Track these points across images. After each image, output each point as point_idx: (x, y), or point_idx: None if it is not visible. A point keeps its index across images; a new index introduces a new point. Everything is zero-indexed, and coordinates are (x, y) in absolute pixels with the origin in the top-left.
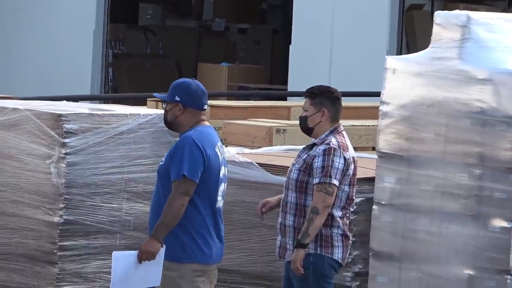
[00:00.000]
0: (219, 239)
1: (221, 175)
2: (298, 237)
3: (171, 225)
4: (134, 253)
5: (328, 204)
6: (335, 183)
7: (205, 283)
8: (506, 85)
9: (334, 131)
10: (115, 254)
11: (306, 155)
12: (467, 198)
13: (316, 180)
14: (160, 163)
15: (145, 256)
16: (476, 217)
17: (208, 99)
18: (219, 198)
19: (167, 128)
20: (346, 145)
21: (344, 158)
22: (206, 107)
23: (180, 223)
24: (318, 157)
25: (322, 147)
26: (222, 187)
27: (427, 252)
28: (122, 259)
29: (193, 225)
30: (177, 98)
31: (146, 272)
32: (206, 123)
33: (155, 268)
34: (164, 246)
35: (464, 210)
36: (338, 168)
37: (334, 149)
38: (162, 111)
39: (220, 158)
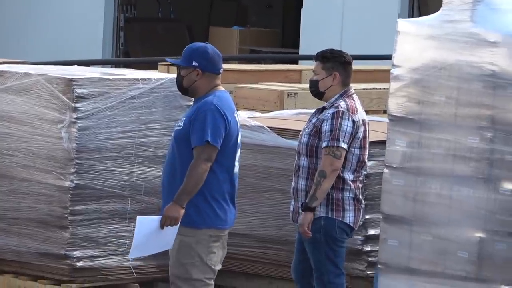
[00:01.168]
0: (233, 204)
1: (238, 141)
2: (306, 201)
3: (194, 191)
4: (157, 218)
5: (336, 168)
6: (343, 146)
7: (219, 248)
8: None
9: (344, 94)
10: (139, 218)
11: (315, 119)
12: (479, 161)
13: (324, 144)
14: (177, 128)
15: (168, 221)
16: (487, 180)
17: None
18: (236, 163)
19: (179, 93)
20: (356, 108)
21: (353, 121)
22: (221, 71)
23: None
24: (327, 120)
25: (330, 111)
26: (239, 152)
27: (438, 216)
28: (146, 224)
29: (209, 190)
30: (195, 63)
31: (164, 237)
32: (221, 87)
33: (172, 233)
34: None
35: (475, 173)
36: (346, 131)
37: (343, 112)
38: (174, 75)
39: (238, 124)
